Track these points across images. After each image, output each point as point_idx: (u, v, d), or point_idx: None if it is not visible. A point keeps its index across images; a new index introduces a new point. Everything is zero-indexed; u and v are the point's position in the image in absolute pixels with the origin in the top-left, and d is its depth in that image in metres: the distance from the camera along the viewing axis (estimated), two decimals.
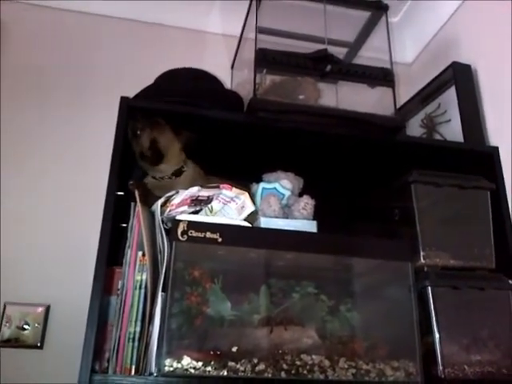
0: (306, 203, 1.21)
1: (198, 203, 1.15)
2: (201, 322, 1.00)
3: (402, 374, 1.03)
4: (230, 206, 1.15)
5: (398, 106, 1.44)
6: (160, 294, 1.00)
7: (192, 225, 1.02)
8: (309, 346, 1.02)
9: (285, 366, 0.97)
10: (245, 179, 1.30)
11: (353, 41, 1.67)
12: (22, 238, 1.51)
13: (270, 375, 0.96)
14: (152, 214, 1.15)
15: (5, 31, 1.72)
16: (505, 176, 1.37)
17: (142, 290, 1.05)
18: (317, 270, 1.14)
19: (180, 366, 0.93)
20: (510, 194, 1.35)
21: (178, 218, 1.06)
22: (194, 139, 1.29)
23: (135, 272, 1.07)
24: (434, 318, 1.10)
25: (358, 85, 1.44)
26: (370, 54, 1.64)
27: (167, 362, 0.93)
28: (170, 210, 1.12)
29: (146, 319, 1.02)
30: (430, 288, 1.13)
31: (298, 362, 0.98)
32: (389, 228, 1.33)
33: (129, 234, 1.14)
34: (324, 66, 1.38)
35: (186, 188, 1.17)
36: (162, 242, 1.07)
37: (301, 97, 1.40)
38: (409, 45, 2.05)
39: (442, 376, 1.06)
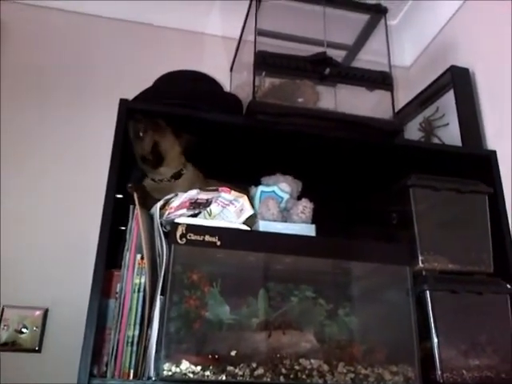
0: (305, 207, 1.21)
1: (197, 206, 1.15)
2: (199, 325, 1.00)
3: (400, 379, 1.03)
4: (228, 209, 1.15)
5: (396, 110, 1.44)
6: (159, 298, 1.00)
7: (191, 228, 1.02)
8: (307, 351, 1.02)
9: (283, 371, 0.97)
10: (243, 182, 1.30)
11: (352, 44, 1.68)
12: (20, 240, 1.51)
13: (268, 379, 0.96)
14: (151, 217, 1.14)
15: (5, 31, 1.72)
16: (503, 180, 1.38)
17: (141, 294, 1.05)
18: (315, 273, 1.14)
19: (179, 370, 0.93)
20: (509, 197, 1.35)
21: (176, 221, 1.06)
22: (194, 142, 1.29)
23: (134, 275, 1.07)
24: (432, 323, 1.11)
25: (357, 88, 1.44)
26: (369, 57, 1.65)
27: (166, 366, 0.92)
28: (168, 213, 1.12)
29: (145, 323, 1.02)
30: (428, 292, 1.13)
31: (296, 367, 0.98)
32: (387, 232, 1.34)
33: (127, 237, 1.14)
34: (323, 68, 1.38)
35: (185, 191, 1.17)
36: (161, 245, 1.07)
37: (300, 100, 1.39)
38: (407, 48, 2.06)
39: (441, 381, 1.07)
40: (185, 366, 0.93)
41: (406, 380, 1.03)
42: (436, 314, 1.12)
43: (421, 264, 1.19)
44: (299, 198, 1.27)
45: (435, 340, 1.10)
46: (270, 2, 1.47)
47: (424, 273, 1.19)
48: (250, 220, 1.16)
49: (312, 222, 1.21)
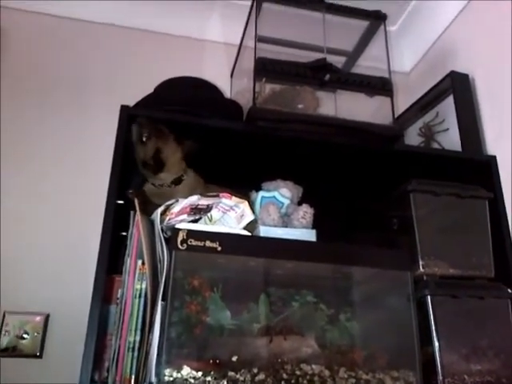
0: (305, 212, 1.21)
1: (198, 212, 1.16)
2: (200, 331, 1.00)
3: None
4: (229, 215, 1.15)
5: (396, 115, 1.45)
6: (160, 303, 1.00)
7: (191, 233, 1.02)
8: (308, 356, 1.02)
9: (285, 376, 0.97)
10: (244, 187, 1.30)
11: (351, 50, 1.69)
12: (20, 245, 1.51)
13: None
14: (152, 223, 1.15)
15: (5, 38, 1.73)
16: (503, 185, 1.38)
17: (142, 299, 1.05)
18: (316, 278, 1.14)
19: (180, 375, 0.93)
20: (509, 202, 1.36)
21: (177, 226, 1.06)
22: (196, 148, 1.29)
23: (135, 281, 1.07)
24: (433, 328, 1.11)
25: (357, 94, 1.45)
26: (369, 63, 1.66)
27: (167, 371, 0.92)
28: (169, 219, 1.12)
29: (146, 328, 1.01)
30: (429, 297, 1.13)
31: (297, 372, 0.98)
32: (388, 237, 1.34)
33: (128, 243, 1.14)
34: (323, 75, 1.39)
35: (185, 196, 1.17)
36: (162, 250, 1.07)
37: (300, 106, 1.40)
38: (407, 54, 2.07)
39: None
40: (186, 371, 0.93)
41: None
42: (437, 319, 1.12)
43: (421, 269, 1.19)
44: (300, 204, 1.27)
45: (436, 345, 1.09)
46: (270, 8, 1.48)
47: (425, 278, 1.19)
48: (251, 225, 1.17)
49: (312, 228, 1.21)
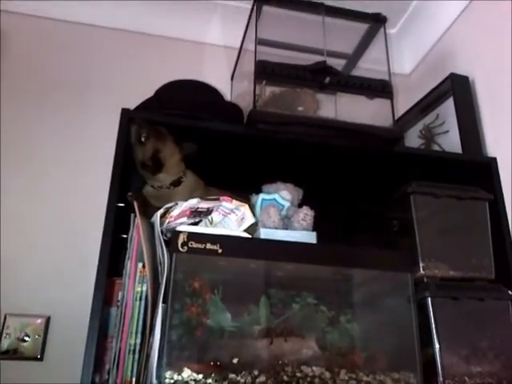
0: (306, 214, 1.22)
1: (198, 215, 1.16)
2: (201, 333, 1.00)
3: None
4: (229, 218, 1.16)
5: (396, 117, 1.45)
6: (160, 306, 1.00)
7: (192, 236, 1.03)
8: (309, 358, 1.02)
9: (285, 378, 0.97)
10: (244, 190, 1.30)
11: (351, 52, 1.69)
12: (21, 248, 1.51)
13: None
14: (152, 225, 1.15)
15: (5, 40, 1.73)
16: (503, 186, 1.38)
17: (143, 302, 1.05)
18: (317, 280, 1.14)
19: (180, 378, 0.93)
20: (509, 204, 1.36)
21: (178, 229, 1.06)
22: (195, 150, 1.30)
23: (135, 283, 1.07)
24: (433, 329, 1.11)
25: (357, 96, 1.45)
26: (369, 66, 1.66)
27: (168, 374, 0.92)
28: (168, 222, 1.12)
29: (147, 331, 1.01)
30: (429, 299, 1.13)
31: (298, 374, 0.98)
32: (388, 239, 1.34)
33: (129, 246, 1.14)
34: (323, 77, 1.39)
35: (185, 198, 1.17)
36: (162, 253, 1.07)
37: (300, 108, 1.41)
38: (407, 56, 2.07)
39: None
40: (187, 373, 0.93)
41: None
42: (437, 321, 1.12)
43: (422, 271, 1.19)
44: (300, 206, 1.27)
45: (437, 347, 1.09)
46: (270, 11, 1.48)
47: (425, 280, 1.19)
48: (252, 228, 1.17)
49: (313, 230, 1.21)
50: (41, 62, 1.78)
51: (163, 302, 0.99)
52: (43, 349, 1.43)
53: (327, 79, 1.39)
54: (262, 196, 1.29)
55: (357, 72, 1.68)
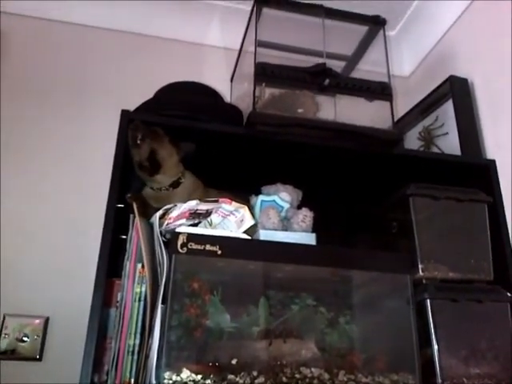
0: (305, 216, 1.22)
1: (197, 216, 1.16)
2: (200, 334, 1.00)
3: None
4: (229, 220, 1.16)
5: (395, 119, 1.45)
6: (159, 306, 1.00)
7: (191, 237, 1.03)
8: (308, 359, 1.02)
9: (284, 379, 0.97)
10: (244, 191, 1.31)
11: (351, 54, 1.70)
12: (20, 249, 1.51)
13: None
14: (151, 226, 1.15)
15: (5, 41, 1.73)
16: (502, 189, 1.38)
17: (142, 303, 1.05)
18: (316, 282, 1.14)
19: (179, 379, 0.93)
20: (508, 206, 1.36)
21: (177, 230, 1.07)
22: (193, 149, 1.30)
23: (134, 284, 1.07)
24: (432, 331, 1.11)
25: (356, 98, 1.46)
26: (368, 68, 1.66)
27: (166, 375, 0.92)
28: (167, 223, 1.12)
29: (146, 332, 1.02)
30: (428, 301, 1.14)
31: (297, 375, 0.98)
32: (387, 240, 1.34)
33: (128, 246, 1.14)
34: (322, 79, 1.39)
35: (184, 200, 1.18)
36: (161, 254, 1.07)
37: (299, 110, 1.41)
38: (406, 58, 2.08)
39: None
40: (185, 374, 0.93)
41: None
42: (436, 323, 1.12)
43: (421, 272, 1.20)
44: (299, 207, 1.27)
45: (436, 348, 1.10)
46: (270, 13, 1.49)
47: (424, 281, 1.19)
48: (251, 229, 1.17)
49: (312, 231, 1.21)
50: (40, 62, 1.79)
51: (162, 303, 0.99)
52: (42, 349, 1.43)
53: (327, 81, 1.39)
54: (261, 197, 1.29)
55: (356, 74, 1.68)
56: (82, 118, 1.73)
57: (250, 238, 1.14)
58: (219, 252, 1.03)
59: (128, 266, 1.10)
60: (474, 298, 1.18)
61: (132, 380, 0.99)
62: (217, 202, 1.17)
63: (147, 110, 1.33)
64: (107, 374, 1.02)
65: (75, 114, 1.73)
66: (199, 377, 0.94)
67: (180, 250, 1.01)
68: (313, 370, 1.00)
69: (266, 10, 1.48)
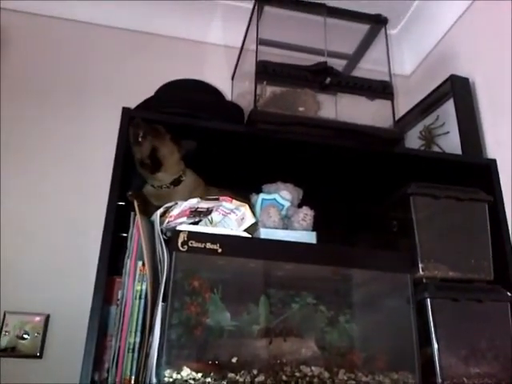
0: (306, 214, 1.22)
1: (198, 214, 1.16)
2: (200, 332, 1.00)
3: None
4: (229, 218, 1.16)
5: (396, 118, 1.45)
6: (160, 304, 1.00)
7: (192, 235, 1.03)
8: (308, 357, 1.02)
9: (284, 378, 0.97)
10: (245, 190, 1.31)
11: (352, 53, 1.69)
12: (21, 246, 1.51)
13: None
14: (152, 224, 1.15)
15: (5, 38, 1.73)
16: (503, 188, 1.38)
17: (142, 300, 1.06)
18: (316, 280, 1.14)
19: (180, 377, 0.93)
20: (509, 206, 1.36)
21: (178, 228, 1.07)
22: (194, 147, 1.30)
23: (135, 282, 1.07)
24: (432, 330, 1.11)
25: (357, 97, 1.46)
26: (369, 66, 1.66)
27: (167, 373, 0.93)
28: (168, 222, 1.12)
29: (146, 330, 1.02)
30: (429, 300, 1.14)
31: (297, 374, 0.98)
32: (388, 239, 1.34)
33: (128, 244, 1.14)
34: (323, 78, 1.39)
35: (185, 197, 1.18)
36: (162, 252, 1.07)
37: (301, 109, 1.41)
38: (407, 57, 2.07)
39: None
40: (186, 372, 0.93)
41: None
42: (436, 322, 1.12)
43: (421, 272, 1.20)
44: (300, 206, 1.27)
45: (436, 347, 1.10)
46: (271, 11, 1.48)
47: (424, 280, 1.19)
48: (252, 227, 1.17)
49: (313, 230, 1.21)
50: (41, 60, 1.78)
51: (163, 301, 0.99)
52: (42, 347, 1.43)
53: (328, 80, 1.39)
54: (262, 196, 1.29)
55: (357, 73, 1.68)
56: (83, 118, 1.73)
57: (250, 236, 1.14)
58: (220, 250, 1.03)
59: (129, 263, 1.10)
60: (474, 297, 1.18)
61: (132, 378, 0.99)
62: (217, 200, 1.17)
63: (148, 108, 1.33)
64: (108, 372, 1.02)
65: (75, 113, 1.73)
66: (199, 375, 0.94)
67: (181, 248, 1.01)
68: (313, 368, 1.00)
69: (267, 8, 1.48)
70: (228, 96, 1.73)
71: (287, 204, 1.28)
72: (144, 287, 1.06)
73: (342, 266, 1.15)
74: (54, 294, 1.47)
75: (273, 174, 1.35)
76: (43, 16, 1.83)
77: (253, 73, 1.35)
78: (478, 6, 1.67)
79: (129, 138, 1.24)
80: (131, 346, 1.02)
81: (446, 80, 1.61)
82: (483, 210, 1.32)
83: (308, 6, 1.50)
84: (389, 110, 1.41)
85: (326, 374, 1.00)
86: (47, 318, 1.46)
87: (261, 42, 1.39)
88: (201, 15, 1.93)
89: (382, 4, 1.75)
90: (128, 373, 1.00)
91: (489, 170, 1.41)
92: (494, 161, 1.43)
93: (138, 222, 1.12)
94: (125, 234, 1.18)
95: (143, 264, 1.08)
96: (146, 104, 1.35)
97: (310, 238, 1.19)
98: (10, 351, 1.41)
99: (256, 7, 1.47)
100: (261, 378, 0.96)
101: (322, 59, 1.41)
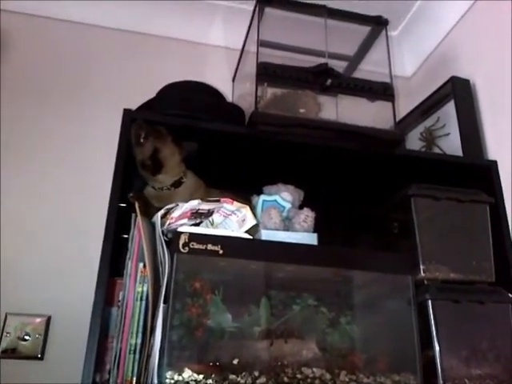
0: (307, 216, 1.22)
1: (198, 216, 1.16)
2: (201, 333, 1.00)
3: None
4: (231, 219, 1.16)
5: (397, 120, 1.45)
6: (161, 306, 1.00)
7: (193, 237, 1.03)
8: (309, 359, 1.02)
9: (286, 379, 0.97)
10: (245, 191, 1.31)
11: (353, 54, 1.70)
12: (22, 247, 1.51)
13: None
14: (153, 226, 1.15)
15: (5, 39, 1.73)
16: (504, 190, 1.38)
17: (143, 302, 1.05)
18: (317, 282, 1.14)
19: (181, 378, 0.93)
20: (509, 207, 1.36)
21: (179, 229, 1.07)
22: (195, 148, 1.30)
23: (136, 283, 1.07)
24: (434, 332, 1.11)
25: (358, 98, 1.46)
26: (370, 68, 1.67)
27: (168, 374, 0.92)
28: (169, 223, 1.12)
29: (148, 331, 1.02)
30: (430, 301, 1.14)
31: (298, 375, 0.98)
32: (389, 241, 1.34)
33: (130, 246, 1.14)
34: (324, 79, 1.39)
35: (186, 199, 1.18)
36: (163, 253, 1.07)
37: (301, 110, 1.41)
38: (408, 59, 2.07)
39: None
40: (187, 374, 0.93)
41: None
42: (438, 323, 1.12)
43: (422, 273, 1.20)
44: (301, 207, 1.27)
45: (437, 349, 1.10)
46: (272, 13, 1.49)
47: (426, 282, 1.19)
48: (253, 229, 1.16)
49: (314, 231, 1.21)
50: (41, 61, 1.79)
51: (164, 303, 0.99)
52: (43, 348, 1.43)
53: (329, 81, 1.39)
54: (263, 197, 1.29)
55: (358, 74, 1.69)
56: (83, 118, 1.73)
57: (251, 237, 1.14)
58: (221, 252, 1.03)
59: (130, 265, 1.10)
60: (475, 299, 1.18)
61: (134, 379, 0.99)
62: (218, 201, 1.17)
63: (149, 109, 1.33)
64: (109, 373, 1.02)
65: (76, 113, 1.73)
66: (201, 376, 0.94)
67: (182, 250, 1.01)
68: (314, 370, 1.00)
69: (268, 10, 1.48)
70: (229, 98, 1.73)
71: (288, 205, 1.28)
72: (145, 289, 1.06)
73: (343, 268, 1.15)
74: (55, 295, 1.47)
75: (274, 175, 1.35)
76: (43, 17, 1.83)
77: (254, 74, 1.35)
78: (480, 7, 1.67)
79: (130, 139, 1.24)
80: (132, 348, 1.02)
81: (447, 81, 1.61)
82: (484, 212, 1.32)
83: (309, 8, 1.50)
84: (389, 112, 1.41)
85: (328, 376, 1.00)
86: (48, 319, 1.46)
87: (262, 43, 1.39)
88: (202, 16, 1.93)
89: (382, 5, 1.75)
90: (129, 374, 1.00)
91: (489, 172, 1.41)
92: (495, 162, 1.43)
93: (139, 224, 1.12)
94: (126, 236, 1.18)
95: (144, 265, 1.08)
96: (147, 105, 1.36)
97: (311, 239, 1.19)
98: (11, 352, 1.41)
99: (257, 9, 1.47)
100: (262, 379, 0.96)
101: (322, 61, 1.41)
